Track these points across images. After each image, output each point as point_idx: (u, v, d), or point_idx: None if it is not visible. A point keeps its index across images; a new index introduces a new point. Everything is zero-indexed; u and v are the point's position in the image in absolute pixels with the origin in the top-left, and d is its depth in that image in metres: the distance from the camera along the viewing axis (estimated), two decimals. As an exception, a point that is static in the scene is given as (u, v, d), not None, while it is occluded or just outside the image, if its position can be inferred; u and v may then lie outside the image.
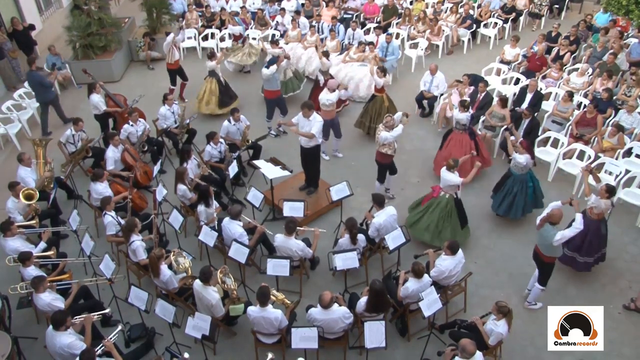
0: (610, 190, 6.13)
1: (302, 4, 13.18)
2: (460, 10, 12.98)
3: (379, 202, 6.49)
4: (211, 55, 9.79)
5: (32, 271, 5.81)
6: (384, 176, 7.78)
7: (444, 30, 12.44)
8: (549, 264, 5.94)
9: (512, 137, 7.39)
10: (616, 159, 8.05)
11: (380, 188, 7.85)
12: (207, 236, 6.30)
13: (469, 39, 12.72)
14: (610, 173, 7.85)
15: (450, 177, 6.69)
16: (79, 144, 8.23)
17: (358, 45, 11.17)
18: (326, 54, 9.58)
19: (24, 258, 5.83)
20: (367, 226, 6.66)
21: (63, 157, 8.35)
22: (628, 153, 8.22)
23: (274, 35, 12.53)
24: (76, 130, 8.19)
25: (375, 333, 5.05)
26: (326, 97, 8.22)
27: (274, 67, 8.87)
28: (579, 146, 8.24)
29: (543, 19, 13.74)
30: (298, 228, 6.41)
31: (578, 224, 5.65)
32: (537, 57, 10.58)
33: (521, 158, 6.96)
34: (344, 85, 9.12)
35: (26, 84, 10.41)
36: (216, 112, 9.92)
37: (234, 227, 6.37)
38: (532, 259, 6.16)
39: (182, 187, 7.11)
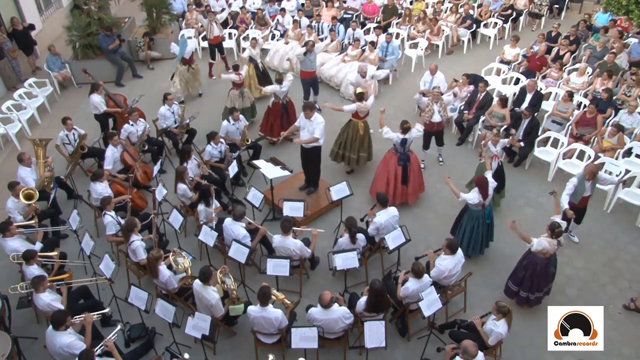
0: (553, 229, 5.69)
1: (302, 4, 13.19)
2: (460, 10, 12.98)
3: (383, 201, 6.49)
4: (251, 41, 10.25)
5: (35, 270, 5.82)
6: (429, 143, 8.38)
7: (444, 30, 12.44)
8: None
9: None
10: (616, 159, 8.05)
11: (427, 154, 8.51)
12: (207, 236, 6.30)
13: (469, 39, 12.72)
14: (610, 173, 7.85)
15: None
16: (76, 143, 8.22)
17: (353, 42, 11.20)
18: (279, 80, 8.81)
19: (28, 256, 5.83)
20: (368, 224, 6.66)
21: (63, 157, 8.36)
22: (628, 153, 8.22)
23: (274, 35, 12.56)
24: (68, 130, 8.18)
25: (375, 333, 5.06)
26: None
27: (301, 50, 9.44)
28: (579, 146, 8.24)
29: (543, 19, 13.74)
30: (296, 229, 6.40)
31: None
32: (537, 57, 10.59)
33: (474, 194, 6.45)
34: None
35: (26, 83, 10.44)
36: (261, 94, 10.21)
37: (237, 229, 6.36)
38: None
39: (182, 187, 7.11)
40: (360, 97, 8.02)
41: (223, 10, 12.82)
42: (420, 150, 8.42)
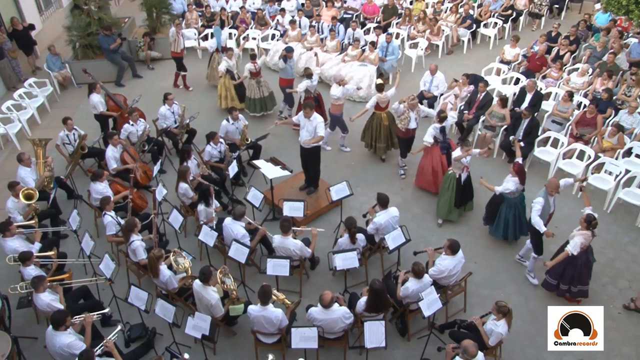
0: (590, 221, 5.77)
1: (302, 4, 13.19)
2: (460, 10, 12.99)
3: (383, 202, 6.48)
4: (225, 51, 10.13)
5: (32, 271, 5.82)
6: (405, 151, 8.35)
7: (443, 30, 12.44)
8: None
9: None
10: (616, 159, 8.05)
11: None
12: (207, 236, 6.30)
13: (469, 39, 12.72)
14: (610, 173, 7.85)
15: (455, 152, 7.15)
16: (76, 143, 8.21)
17: (353, 42, 11.20)
18: (309, 75, 8.81)
19: (24, 258, 5.83)
20: (368, 222, 6.66)
21: (63, 157, 8.36)
22: (628, 153, 8.21)
23: (274, 35, 12.56)
24: (68, 130, 8.18)
25: (375, 333, 5.05)
26: (332, 92, 8.59)
27: (281, 61, 9.49)
28: (579, 146, 8.24)
29: (543, 19, 13.75)
30: (296, 229, 6.40)
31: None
32: (537, 57, 10.59)
33: (509, 183, 6.63)
34: (344, 81, 8.87)
35: (26, 83, 10.44)
36: (239, 106, 9.94)
37: (237, 228, 6.36)
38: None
39: (184, 186, 7.11)
40: (381, 88, 8.26)
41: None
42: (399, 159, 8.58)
